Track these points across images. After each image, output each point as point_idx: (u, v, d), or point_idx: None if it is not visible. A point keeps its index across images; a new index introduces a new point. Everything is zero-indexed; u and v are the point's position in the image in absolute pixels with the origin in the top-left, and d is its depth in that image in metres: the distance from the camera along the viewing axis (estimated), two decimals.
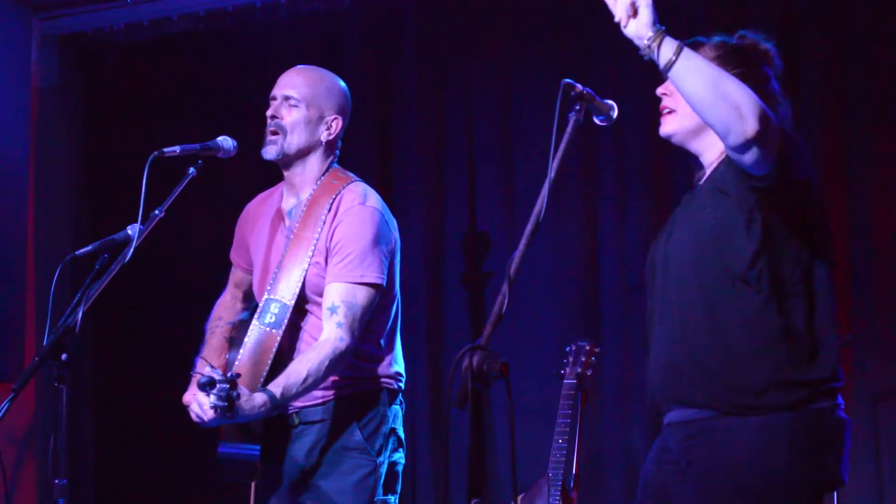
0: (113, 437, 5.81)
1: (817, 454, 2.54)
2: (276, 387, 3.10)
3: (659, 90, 2.77)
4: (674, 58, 2.46)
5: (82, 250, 2.99)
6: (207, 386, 2.93)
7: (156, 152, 3.04)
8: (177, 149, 3.13)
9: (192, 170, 3.15)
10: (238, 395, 2.96)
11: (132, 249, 2.94)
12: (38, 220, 5.75)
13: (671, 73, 2.47)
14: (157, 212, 3.04)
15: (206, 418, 3.07)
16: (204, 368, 3.13)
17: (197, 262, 5.51)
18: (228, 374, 2.96)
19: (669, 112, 2.75)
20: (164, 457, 5.61)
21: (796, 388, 2.54)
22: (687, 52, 2.47)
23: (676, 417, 2.69)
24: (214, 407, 2.95)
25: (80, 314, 2.82)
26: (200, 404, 3.07)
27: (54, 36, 5.86)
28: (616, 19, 2.50)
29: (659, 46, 2.47)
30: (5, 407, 2.80)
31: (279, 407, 3.12)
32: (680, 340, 2.65)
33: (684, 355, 2.64)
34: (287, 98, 3.35)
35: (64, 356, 2.79)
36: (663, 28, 2.48)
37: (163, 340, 5.52)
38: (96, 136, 5.97)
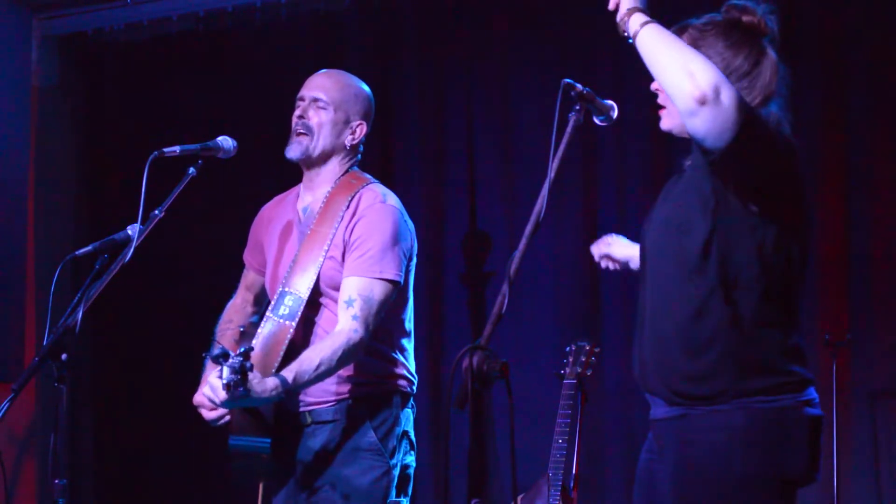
0: (113, 437, 5.81)
1: (777, 452, 2.53)
2: (289, 372, 3.08)
3: (653, 85, 2.77)
4: (638, 29, 2.51)
5: (82, 250, 2.99)
6: (221, 357, 2.89)
7: (156, 152, 3.04)
8: (177, 149, 3.13)
9: (192, 170, 3.15)
10: (252, 367, 2.92)
11: (132, 249, 2.94)
12: (38, 220, 5.76)
13: (637, 45, 2.52)
14: (157, 212, 3.03)
15: (218, 399, 3.00)
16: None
17: (197, 261, 5.52)
18: (242, 349, 2.94)
19: (662, 108, 2.75)
20: (165, 457, 5.61)
21: (748, 377, 2.53)
22: (653, 25, 2.52)
23: (653, 414, 2.71)
24: (228, 383, 2.88)
25: (80, 314, 2.82)
26: (213, 386, 3.00)
27: (54, 36, 5.87)
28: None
29: (628, 18, 2.54)
30: (5, 407, 2.80)
31: (290, 392, 3.10)
32: (649, 330, 2.65)
33: (650, 345, 2.65)
34: (316, 100, 3.37)
35: (64, 356, 2.79)
36: (640, 7, 2.54)
37: (163, 340, 5.53)
38: (96, 136, 5.98)
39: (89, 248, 2.98)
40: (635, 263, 3.01)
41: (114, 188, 5.73)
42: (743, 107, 2.46)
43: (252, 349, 2.98)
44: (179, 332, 5.26)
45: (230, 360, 2.89)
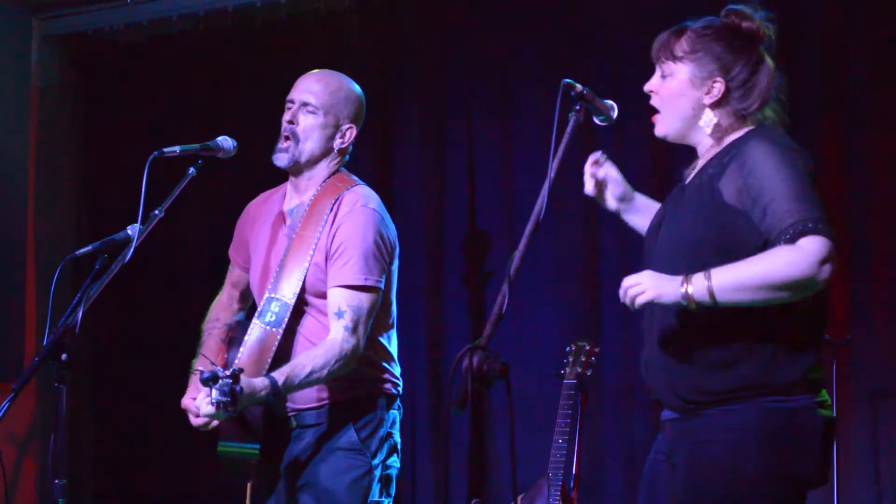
0: (113, 437, 5.81)
1: (790, 453, 2.54)
2: (280, 374, 3.10)
3: (646, 86, 2.76)
4: (706, 295, 2.45)
5: (82, 250, 2.98)
6: (210, 381, 2.91)
7: (156, 152, 3.04)
8: (177, 149, 3.13)
9: (192, 170, 3.15)
10: (241, 390, 2.95)
11: (132, 249, 2.94)
12: (38, 220, 5.76)
13: (720, 304, 2.47)
14: (157, 212, 3.03)
15: (208, 415, 3.04)
16: (206, 366, 3.11)
17: (196, 262, 5.51)
18: (231, 370, 2.95)
19: (656, 112, 2.74)
20: (164, 457, 5.61)
21: (768, 380, 2.54)
22: (715, 278, 2.45)
23: (665, 416, 2.72)
24: (217, 403, 2.92)
25: (80, 314, 2.82)
26: (199, 406, 3.04)
27: (54, 36, 5.87)
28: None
29: (693, 293, 2.46)
30: (5, 407, 2.79)
31: (278, 394, 3.11)
32: (657, 341, 2.66)
33: (659, 357, 2.65)
34: (305, 104, 3.34)
35: (64, 356, 2.79)
36: (681, 279, 2.47)
37: (162, 340, 5.52)
38: (96, 136, 5.98)
39: (89, 248, 2.97)
40: (617, 203, 2.94)
41: (114, 188, 5.72)
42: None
43: (241, 370, 3.00)
44: (179, 332, 5.25)
45: (219, 383, 2.91)
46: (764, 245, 2.51)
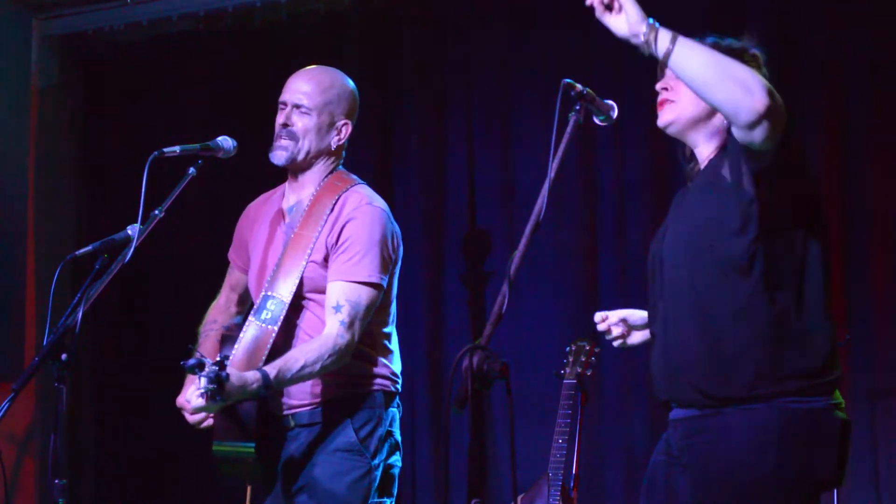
0: (113, 437, 5.81)
1: (808, 453, 2.55)
2: (272, 368, 3.09)
3: (658, 85, 2.77)
4: (671, 46, 2.46)
5: (82, 250, 2.98)
6: (196, 368, 2.89)
7: (156, 152, 3.04)
8: (177, 149, 3.13)
9: (192, 170, 3.15)
10: (227, 376, 2.93)
11: (132, 249, 2.94)
12: (38, 220, 5.76)
13: (671, 62, 2.47)
14: (157, 212, 3.03)
15: (198, 407, 3.03)
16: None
17: (196, 262, 5.51)
18: (218, 357, 2.94)
19: (669, 101, 2.75)
20: (164, 457, 5.61)
21: (786, 381, 2.55)
22: (682, 38, 2.47)
23: (676, 415, 2.72)
24: (205, 391, 2.90)
25: (80, 314, 2.82)
26: (189, 399, 3.03)
27: (54, 36, 5.87)
28: (598, 14, 2.50)
29: (656, 39, 2.47)
30: (5, 407, 2.79)
31: (270, 388, 3.10)
32: (673, 339, 2.67)
33: (675, 355, 2.66)
34: (298, 106, 3.34)
35: (64, 356, 2.79)
36: (654, 21, 2.48)
37: (162, 340, 5.52)
38: (96, 136, 5.98)
39: (89, 248, 2.97)
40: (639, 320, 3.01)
41: (114, 188, 5.73)
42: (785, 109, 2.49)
43: (228, 357, 3.00)
44: (179, 332, 5.26)
45: (206, 370, 2.90)
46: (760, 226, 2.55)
